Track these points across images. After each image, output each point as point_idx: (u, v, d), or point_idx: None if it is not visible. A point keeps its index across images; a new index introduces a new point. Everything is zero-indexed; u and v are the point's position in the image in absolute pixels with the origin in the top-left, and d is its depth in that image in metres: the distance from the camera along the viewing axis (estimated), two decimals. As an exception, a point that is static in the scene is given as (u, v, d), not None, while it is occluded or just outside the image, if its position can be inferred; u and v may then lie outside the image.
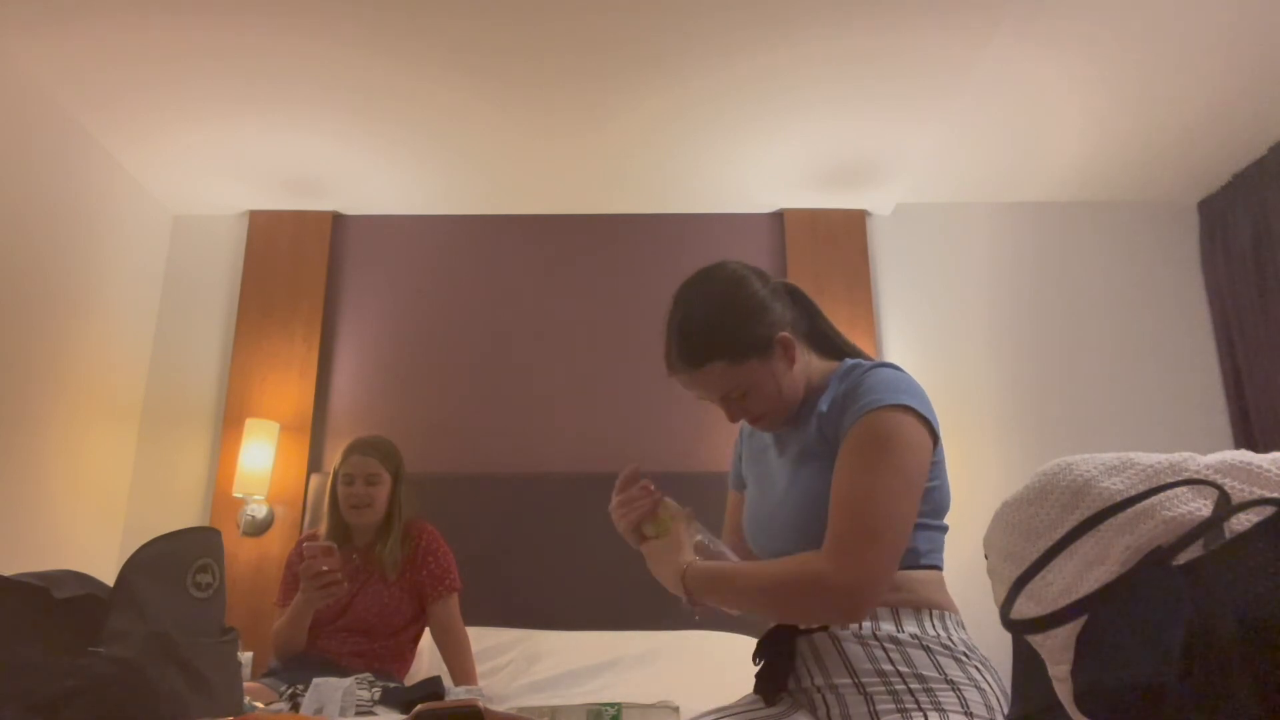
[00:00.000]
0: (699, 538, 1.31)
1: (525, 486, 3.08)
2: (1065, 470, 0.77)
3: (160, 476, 3.21)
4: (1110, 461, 0.76)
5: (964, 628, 1.27)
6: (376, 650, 2.26)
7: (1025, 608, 0.75)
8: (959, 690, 1.17)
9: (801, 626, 1.27)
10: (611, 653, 2.56)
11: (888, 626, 1.22)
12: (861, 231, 3.40)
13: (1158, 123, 2.95)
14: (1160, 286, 3.39)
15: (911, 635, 1.21)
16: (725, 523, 1.60)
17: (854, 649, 1.22)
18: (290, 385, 3.23)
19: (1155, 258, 3.42)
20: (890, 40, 2.48)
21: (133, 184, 3.21)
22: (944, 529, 1.31)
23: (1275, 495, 0.71)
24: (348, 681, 1.56)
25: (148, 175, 3.19)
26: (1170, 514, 0.70)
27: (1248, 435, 3.13)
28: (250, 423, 3.05)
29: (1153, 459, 0.76)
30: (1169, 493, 0.71)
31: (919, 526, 1.24)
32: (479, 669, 2.43)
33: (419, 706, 1.03)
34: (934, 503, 1.28)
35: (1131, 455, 0.76)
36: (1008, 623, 0.73)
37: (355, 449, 2.37)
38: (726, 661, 2.40)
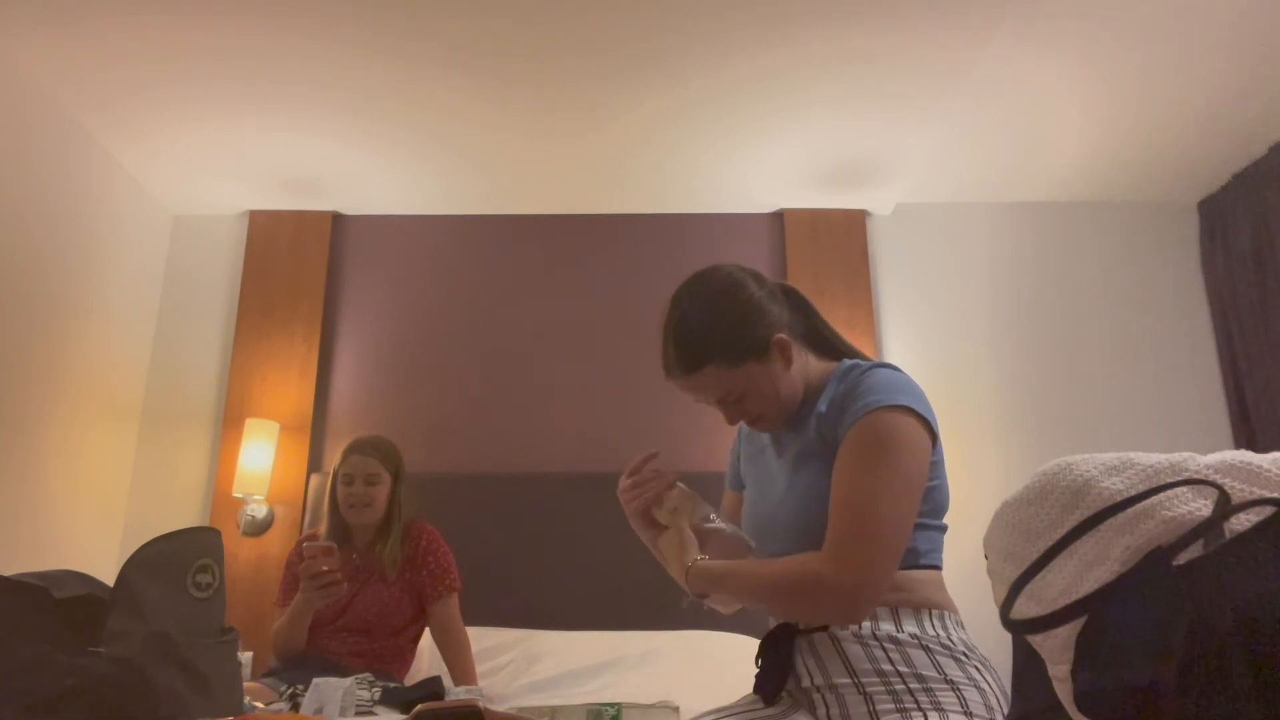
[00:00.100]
0: (708, 524, 1.31)
1: (525, 486, 3.08)
2: (1065, 470, 0.77)
3: (160, 476, 3.21)
4: (1110, 461, 0.76)
5: (963, 627, 1.27)
6: (376, 650, 2.26)
7: (1025, 608, 0.75)
8: (958, 690, 1.17)
9: (802, 626, 1.28)
10: (611, 653, 2.56)
11: (887, 626, 1.22)
12: (861, 231, 3.40)
13: (1158, 123, 2.95)
14: (1160, 286, 3.39)
15: (911, 635, 1.21)
16: None
17: (854, 649, 1.22)
18: (290, 385, 3.23)
19: (1155, 258, 3.42)
20: (890, 40, 2.48)
21: (133, 184, 3.21)
22: (943, 529, 1.31)
23: (1275, 495, 0.71)
24: (348, 681, 1.56)
25: (148, 175, 3.19)
26: (1170, 514, 0.70)
27: (1248, 435, 3.13)
28: (250, 423, 3.05)
29: (1153, 459, 0.76)
30: (1169, 493, 0.71)
31: (918, 526, 1.24)
32: (479, 669, 2.43)
33: (419, 706, 1.03)
34: (933, 503, 1.28)
35: (1131, 455, 0.76)
36: (1008, 623, 0.73)
37: (355, 449, 2.37)
38: (726, 661, 2.40)
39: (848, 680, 1.20)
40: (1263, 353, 3.03)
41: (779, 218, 3.46)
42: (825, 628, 1.25)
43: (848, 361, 1.36)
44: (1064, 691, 0.72)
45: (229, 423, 3.17)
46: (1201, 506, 0.70)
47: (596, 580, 2.91)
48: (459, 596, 2.38)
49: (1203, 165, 3.21)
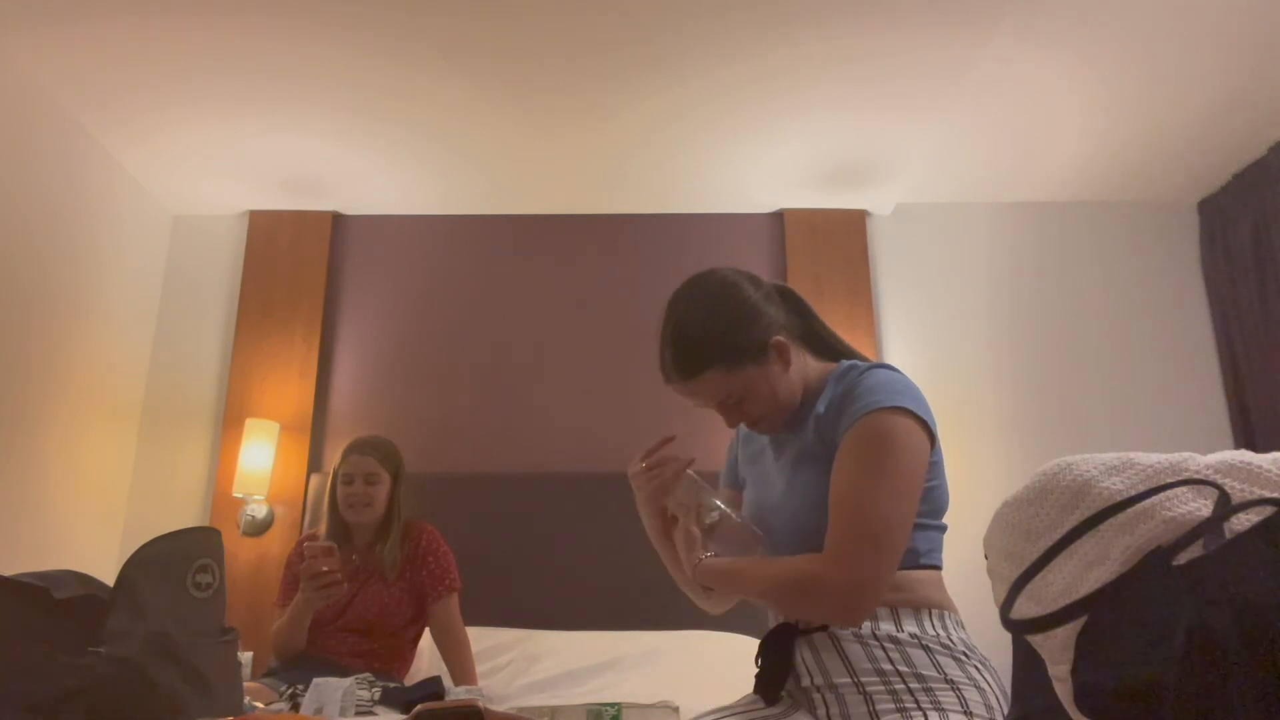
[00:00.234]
0: (715, 514, 1.31)
1: (525, 486, 3.08)
2: (1065, 470, 0.77)
3: (160, 476, 3.21)
4: (1110, 461, 0.76)
5: (963, 627, 1.27)
6: (376, 650, 2.26)
7: (1025, 608, 0.75)
8: (958, 690, 1.17)
9: (801, 625, 1.28)
10: (611, 653, 2.56)
11: (887, 626, 1.22)
12: (861, 231, 3.40)
13: (1158, 123, 2.95)
14: (1160, 286, 3.39)
15: (911, 635, 1.21)
16: None
17: (853, 649, 1.22)
18: (290, 385, 3.23)
19: (1155, 258, 3.42)
20: (890, 40, 2.48)
21: (133, 184, 3.21)
22: (943, 529, 1.31)
23: (1275, 495, 0.71)
24: (348, 681, 1.56)
25: (148, 175, 3.19)
26: (1170, 514, 0.70)
27: (1248, 435, 3.13)
28: (250, 423, 3.05)
29: (1153, 459, 0.76)
30: (1169, 493, 0.71)
31: (918, 526, 1.24)
32: (479, 669, 2.43)
33: (419, 706, 1.03)
34: (933, 502, 1.28)
35: (1131, 455, 0.76)
36: (1008, 623, 0.73)
37: (354, 449, 2.37)
38: (726, 661, 2.40)
39: (848, 680, 1.20)
40: (1263, 353, 3.03)
41: (779, 218, 3.46)
42: (825, 627, 1.25)
43: (845, 362, 1.36)
44: (1064, 691, 0.72)
45: (229, 423, 3.17)
46: (1201, 506, 0.70)
47: (596, 580, 2.91)
48: (459, 596, 2.38)
49: (1203, 165, 3.21)
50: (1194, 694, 0.59)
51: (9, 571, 1.09)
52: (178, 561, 1.13)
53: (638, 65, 2.60)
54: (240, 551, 3.04)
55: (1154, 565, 0.66)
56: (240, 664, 1.37)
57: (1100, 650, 0.67)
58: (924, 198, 3.45)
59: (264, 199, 3.37)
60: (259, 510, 3.08)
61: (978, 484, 3.03)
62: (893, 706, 1.15)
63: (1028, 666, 0.83)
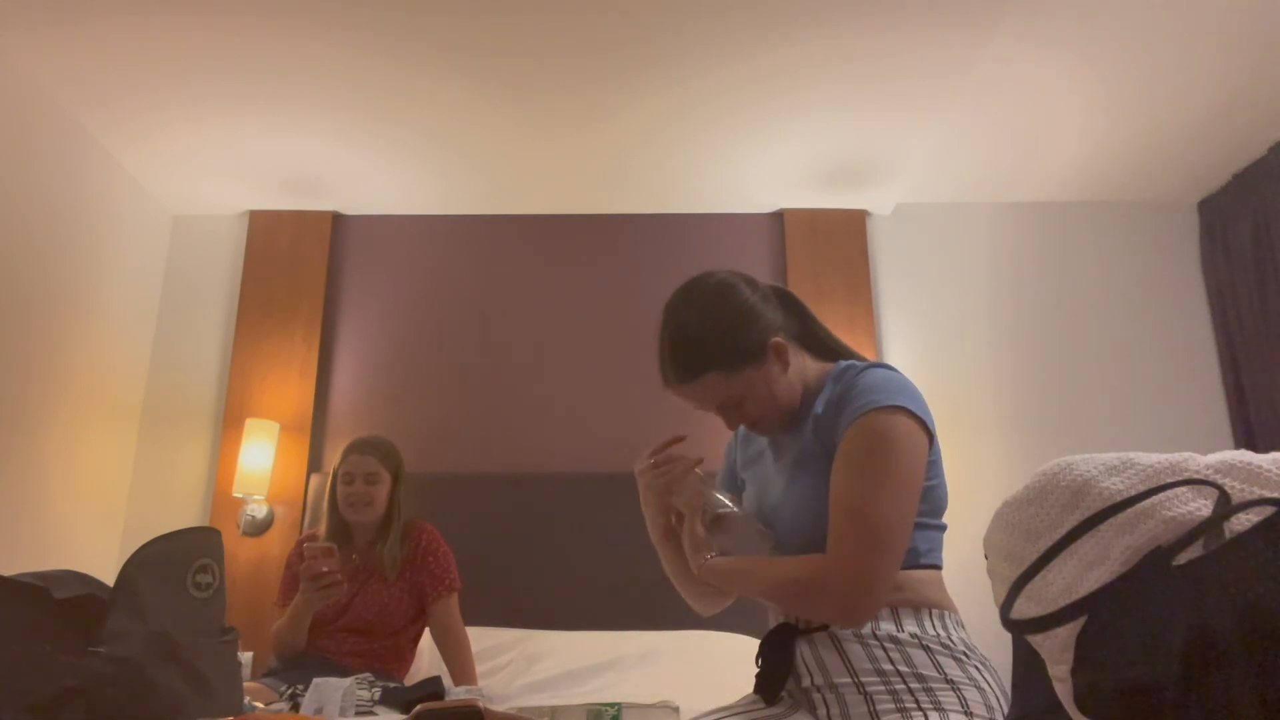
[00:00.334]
0: (724, 510, 1.32)
1: (525, 486, 3.08)
2: (1065, 470, 0.77)
3: (160, 476, 3.21)
4: (1110, 461, 0.76)
5: (963, 627, 1.27)
6: (376, 650, 2.26)
7: (1025, 608, 0.75)
8: (959, 690, 1.17)
9: (802, 625, 1.28)
10: (611, 653, 2.56)
11: (887, 626, 1.22)
12: (861, 231, 3.40)
13: (1158, 123, 2.95)
14: (1160, 286, 3.39)
15: (911, 635, 1.21)
16: None
17: (854, 649, 1.22)
18: (290, 385, 3.23)
19: (1155, 258, 3.42)
20: (890, 40, 2.48)
21: (133, 184, 3.21)
22: (943, 528, 1.31)
23: (1275, 495, 0.71)
24: (348, 681, 1.56)
25: (148, 175, 3.19)
26: (1170, 514, 0.70)
27: (1248, 435, 3.13)
28: (250, 423, 3.05)
29: (1153, 459, 0.76)
30: (1169, 493, 0.71)
31: (918, 526, 1.24)
32: (479, 669, 2.43)
33: (419, 706, 1.03)
34: (932, 502, 1.28)
35: (1131, 455, 0.76)
36: (1008, 623, 0.73)
37: (354, 448, 2.37)
38: (726, 661, 2.40)
39: (848, 680, 1.20)
40: (1263, 353, 3.03)
41: (779, 218, 3.46)
42: (825, 627, 1.25)
43: (843, 362, 1.36)
44: (1064, 691, 0.72)
45: (229, 423, 3.17)
46: (1201, 506, 0.70)
47: (596, 580, 2.91)
48: (459, 596, 2.38)
49: (1203, 165, 3.21)
50: (1194, 694, 0.59)
51: (9, 571, 1.09)
52: (178, 561, 1.13)
53: (638, 65, 2.60)
54: (240, 551, 3.04)
55: (1154, 565, 0.66)
56: (240, 664, 1.37)
57: (1100, 650, 0.67)
58: (924, 198, 3.45)
59: (264, 199, 3.37)
60: (259, 510, 3.08)
61: (977, 484, 3.04)
62: (893, 706, 1.15)
63: (1028, 666, 0.83)
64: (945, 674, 1.18)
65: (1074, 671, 0.70)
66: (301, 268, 3.36)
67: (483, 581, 2.79)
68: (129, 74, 2.61)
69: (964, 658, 1.21)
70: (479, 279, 3.40)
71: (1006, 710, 1.17)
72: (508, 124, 2.89)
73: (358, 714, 1.63)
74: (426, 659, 2.52)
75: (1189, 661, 0.59)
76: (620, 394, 3.24)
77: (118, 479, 3.14)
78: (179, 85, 2.67)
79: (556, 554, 2.97)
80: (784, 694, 1.29)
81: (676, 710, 1.70)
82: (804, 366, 1.37)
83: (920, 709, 1.14)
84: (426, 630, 2.39)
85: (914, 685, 1.17)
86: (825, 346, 1.42)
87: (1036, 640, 0.75)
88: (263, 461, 3.02)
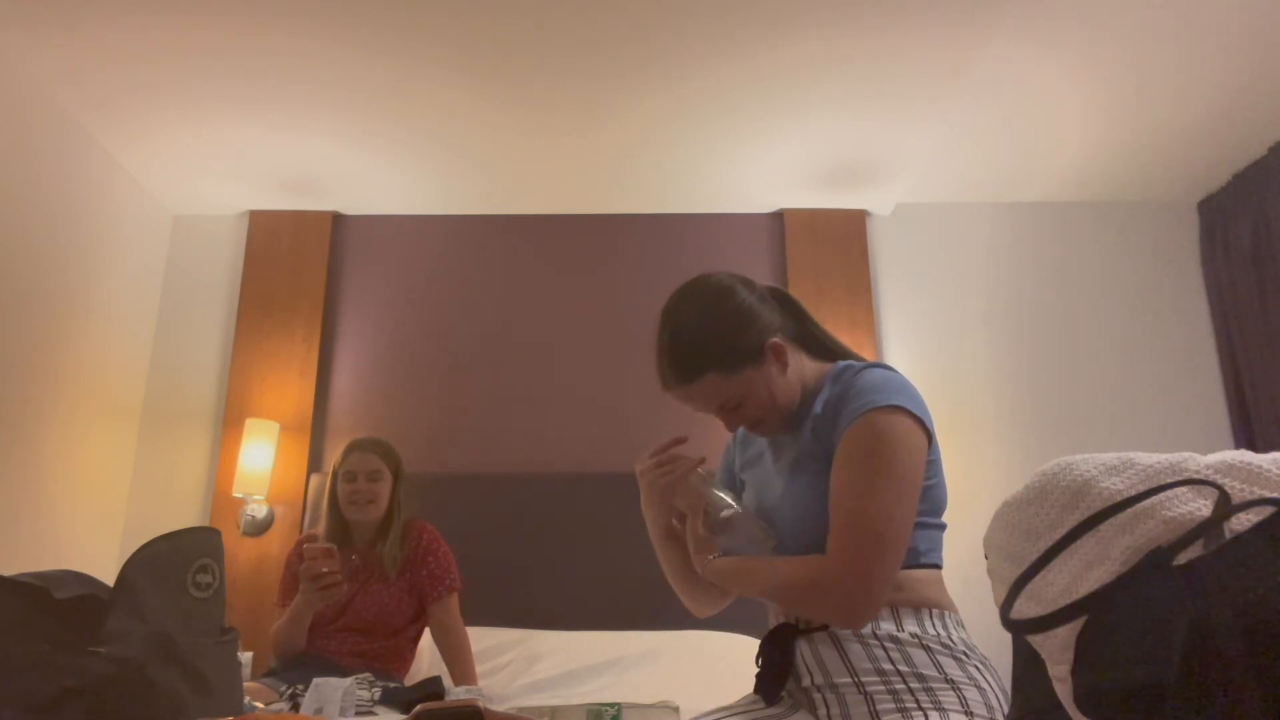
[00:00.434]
0: (728, 511, 1.32)
1: (525, 486, 3.08)
2: (1065, 470, 0.77)
3: (160, 476, 3.21)
4: (1110, 461, 0.76)
5: (963, 627, 1.27)
6: (376, 650, 2.26)
7: (1025, 608, 0.75)
8: (959, 689, 1.17)
9: (802, 625, 1.28)
10: (611, 653, 2.56)
11: (887, 626, 1.22)
12: (861, 231, 3.40)
13: (1158, 123, 2.95)
14: (1160, 286, 3.39)
15: (911, 634, 1.21)
16: None
17: (854, 648, 1.22)
18: (290, 385, 3.23)
19: (1155, 258, 3.42)
20: (890, 40, 2.48)
21: (133, 184, 3.21)
22: (942, 527, 1.31)
23: (1275, 495, 0.71)
24: (348, 681, 1.56)
25: (148, 175, 3.19)
26: (1170, 514, 0.70)
27: (1248, 435, 3.13)
28: (250, 423, 3.05)
29: (1153, 459, 0.76)
30: (1169, 493, 0.71)
31: (917, 525, 1.24)
32: (479, 669, 2.43)
33: (419, 707, 1.03)
34: (932, 501, 1.28)
35: (1131, 455, 0.76)
36: (1008, 623, 0.73)
37: (356, 446, 2.38)
38: (726, 661, 2.41)
39: (848, 679, 1.20)
40: (1263, 353, 3.03)
41: (779, 218, 3.46)
42: (825, 626, 1.25)
43: (842, 363, 1.36)
44: (1064, 691, 0.72)
45: (229, 423, 3.17)
46: (1201, 506, 0.70)
47: (596, 580, 2.91)
48: (459, 596, 2.38)
49: (1203, 165, 3.21)
50: (1194, 694, 0.59)
51: (9, 571, 1.09)
52: (178, 561, 1.13)
53: (638, 65, 2.60)
54: (240, 551, 3.04)
55: (1154, 565, 0.66)
56: (240, 664, 1.37)
57: (1100, 650, 0.67)
58: (924, 198, 3.45)
59: (264, 199, 3.37)
60: (259, 510, 3.08)
61: (977, 484, 3.04)
62: (893, 706, 1.16)
63: (1028, 666, 0.83)
64: (945, 673, 1.18)
65: (1074, 671, 0.70)
66: (301, 268, 3.36)
67: (483, 581, 2.79)
68: (129, 74, 2.62)
69: (964, 657, 1.21)
70: (479, 279, 3.40)
71: (1006, 710, 1.17)
72: (508, 124, 2.89)
73: (358, 714, 1.63)
74: (426, 659, 2.52)
75: (1189, 661, 0.59)
76: (620, 394, 3.24)
77: (118, 479, 3.14)
78: (179, 85, 2.67)
79: (556, 554, 2.97)
80: (784, 694, 1.29)
81: (676, 710, 1.70)
82: (802, 367, 1.37)
83: (920, 709, 1.14)
84: (426, 630, 2.39)
85: (914, 685, 1.17)
86: (823, 347, 1.42)
87: (1036, 640, 0.75)
88: (263, 461, 3.02)
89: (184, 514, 3.16)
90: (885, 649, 1.20)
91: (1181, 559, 0.65)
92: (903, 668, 1.18)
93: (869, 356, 1.42)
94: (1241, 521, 0.67)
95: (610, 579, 2.90)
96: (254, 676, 2.28)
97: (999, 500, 0.83)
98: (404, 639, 2.33)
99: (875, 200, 3.40)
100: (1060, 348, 3.33)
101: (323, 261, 3.37)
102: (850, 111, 2.82)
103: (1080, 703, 0.69)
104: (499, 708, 1.20)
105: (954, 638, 1.23)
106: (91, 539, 2.98)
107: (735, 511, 1.32)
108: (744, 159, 3.11)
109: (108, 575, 1.09)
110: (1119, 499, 0.72)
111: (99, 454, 3.03)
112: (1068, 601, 0.69)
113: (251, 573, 3.03)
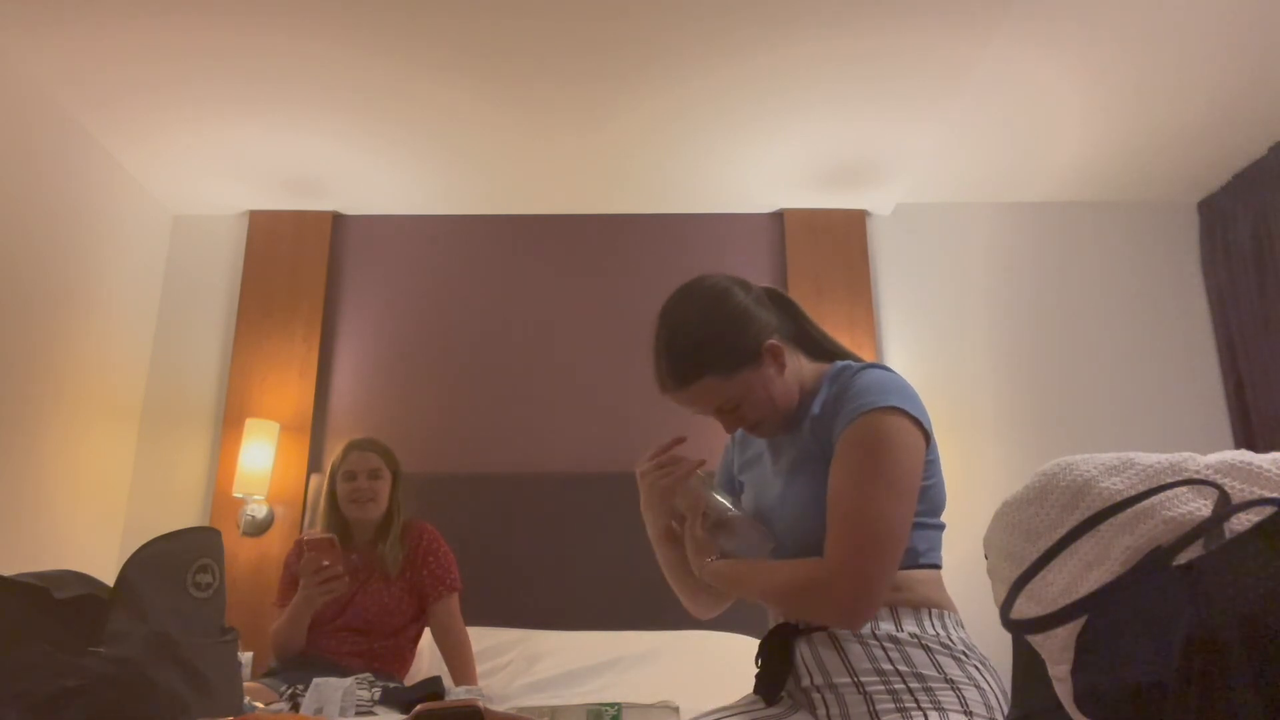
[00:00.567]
0: (728, 514, 1.32)
1: (525, 486, 3.08)
2: (1065, 470, 0.77)
3: (160, 476, 3.21)
4: (1110, 461, 0.76)
5: (963, 627, 1.28)
6: (376, 650, 2.26)
7: (1025, 608, 0.75)
8: (958, 689, 1.17)
9: (802, 625, 1.28)
10: (611, 653, 2.56)
11: (887, 626, 1.22)
12: (861, 231, 3.40)
13: (1158, 123, 2.95)
14: (1160, 286, 3.39)
15: (911, 634, 1.21)
16: None
17: (853, 648, 1.22)
18: (290, 385, 3.23)
19: (1155, 258, 3.42)
20: (890, 40, 2.48)
21: (133, 184, 3.21)
22: (941, 527, 1.31)
23: (1275, 495, 0.71)
24: (348, 681, 1.56)
25: (148, 175, 3.19)
26: (1170, 514, 0.70)
27: (1248, 435, 3.13)
28: (250, 423, 3.05)
29: (1153, 459, 0.76)
30: (1169, 493, 0.71)
31: (916, 525, 1.24)
32: (479, 669, 2.43)
33: (419, 706, 1.03)
34: (930, 501, 1.28)
35: (1131, 455, 0.76)
36: (1008, 623, 0.73)
37: (356, 446, 2.39)
38: (726, 661, 2.40)
39: (848, 680, 1.20)
40: (1263, 353, 3.03)
41: (779, 218, 3.46)
42: (825, 627, 1.25)
43: (839, 363, 1.36)
44: (1064, 691, 0.72)
45: (229, 423, 3.17)
46: (1201, 506, 0.70)
47: (596, 580, 2.91)
48: (459, 596, 2.38)
49: (1203, 165, 3.21)
50: (1194, 694, 0.59)
51: (9, 571, 1.09)
52: (178, 561, 1.13)
53: (638, 65, 2.60)
54: (240, 551, 3.04)
55: (1154, 565, 0.66)
56: (240, 664, 1.37)
57: (1100, 650, 0.67)
58: (924, 198, 3.45)
59: (264, 199, 3.36)
60: (259, 510, 3.08)
61: (977, 484, 3.04)
62: (893, 706, 1.15)
63: (1028, 666, 0.83)
64: (945, 673, 1.18)
65: (1074, 671, 0.70)
66: (301, 268, 3.36)
67: (483, 581, 2.79)
68: (129, 74, 2.61)
69: (963, 657, 1.21)
70: (479, 279, 3.40)
71: (1006, 710, 1.17)
72: (508, 124, 2.89)
73: (358, 714, 1.63)
74: (426, 659, 2.52)
75: (1189, 661, 0.59)
76: (620, 394, 3.24)
77: (118, 479, 3.14)
78: (179, 85, 2.67)
79: (556, 554, 2.97)
80: (784, 694, 1.29)
81: (676, 710, 1.70)
82: (800, 368, 1.37)
83: (920, 709, 1.14)
84: (426, 630, 2.39)
85: (914, 685, 1.17)
86: (821, 347, 1.42)
87: (1036, 640, 0.75)
88: (263, 461, 3.02)
89: (184, 514, 3.16)
90: (884, 649, 1.20)
91: (1181, 559, 0.65)
92: (902, 668, 1.18)
93: (869, 357, 1.42)
94: (1241, 521, 0.67)
95: (610, 579, 2.90)
96: (254, 676, 2.28)
97: (999, 500, 0.83)
98: (404, 639, 2.33)
99: (875, 200, 3.40)
100: (1060, 348, 3.33)
101: (323, 262, 3.37)
102: (850, 111, 2.82)
103: (1080, 703, 0.69)
104: (499, 708, 1.20)
105: (953, 638, 1.23)
106: (91, 539, 2.98)
107: (734, 514, 1.32)
108: (744, 159, 3.11)
109: (108, 575, 1.09)
110: (1119, 499, 0.72)
111: (99, 454, 3.03)
112: (1068, 601, 0.69)
113: (251, 573, 3.03)
